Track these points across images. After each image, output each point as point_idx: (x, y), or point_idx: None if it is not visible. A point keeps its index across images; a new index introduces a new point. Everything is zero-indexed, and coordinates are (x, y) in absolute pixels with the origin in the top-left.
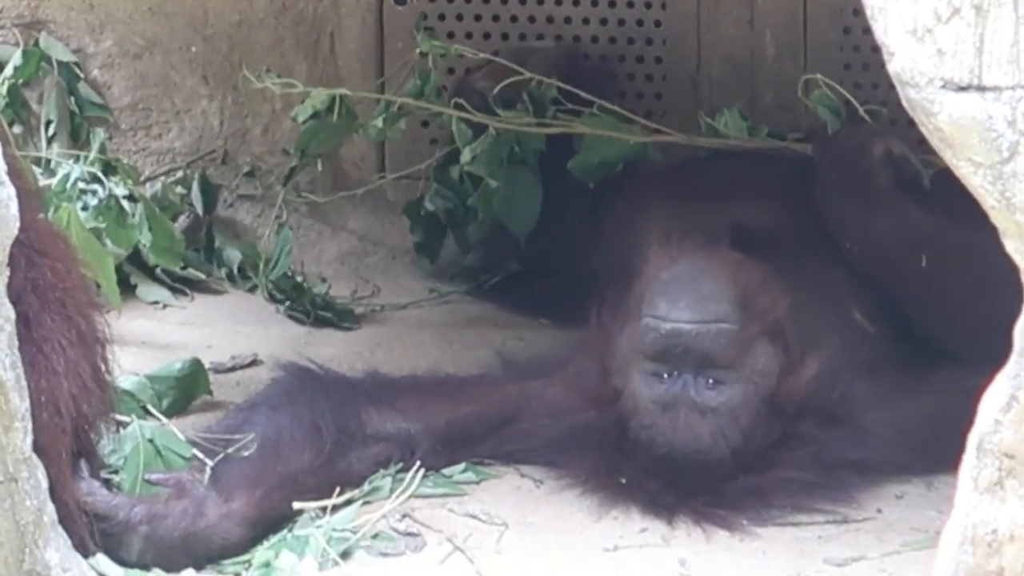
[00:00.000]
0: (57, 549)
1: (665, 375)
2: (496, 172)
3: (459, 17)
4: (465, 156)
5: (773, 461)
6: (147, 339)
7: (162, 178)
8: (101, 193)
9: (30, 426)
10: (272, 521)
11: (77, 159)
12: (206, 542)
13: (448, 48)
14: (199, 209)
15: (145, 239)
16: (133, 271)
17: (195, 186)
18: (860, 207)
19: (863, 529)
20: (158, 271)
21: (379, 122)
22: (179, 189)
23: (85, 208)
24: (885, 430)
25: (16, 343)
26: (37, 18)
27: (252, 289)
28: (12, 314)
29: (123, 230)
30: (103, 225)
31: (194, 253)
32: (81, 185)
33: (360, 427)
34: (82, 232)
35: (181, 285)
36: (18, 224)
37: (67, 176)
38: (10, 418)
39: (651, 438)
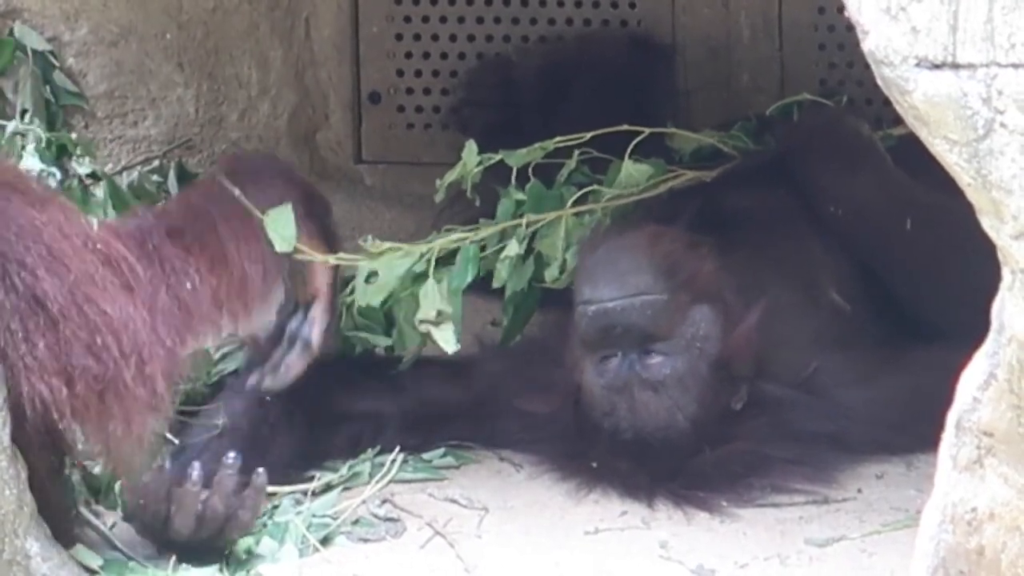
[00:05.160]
0: (37, 539)
1: (612, 360)
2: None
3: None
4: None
5: (738, 428)
6: None
7: (138, 166)
8: (59, 175)
9: (8, 416)
10: None
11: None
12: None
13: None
14: None
15: (111, 217)
16: None
17: (171, 174)
18: (844, 169)
19: (843, 509)
20: None
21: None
22: (155, 177)
23: None
24: (862, 407)
25: None
26: (11, 7)
27: None
28: None
29: (86, 208)
30: None
31: None
32: (40, 167)
33: (330, 407)
34: None
35: None
36: None
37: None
38: None
39: (613, 424)
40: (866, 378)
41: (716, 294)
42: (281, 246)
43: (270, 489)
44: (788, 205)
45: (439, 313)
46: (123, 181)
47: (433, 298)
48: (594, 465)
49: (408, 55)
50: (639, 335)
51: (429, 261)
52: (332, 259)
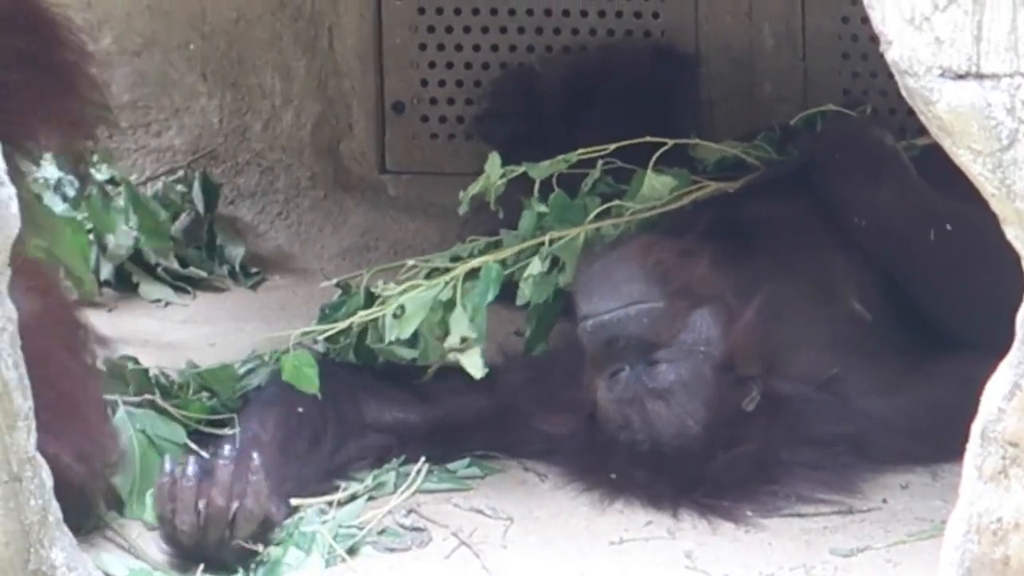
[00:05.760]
0: (63, 548)
1: (621, 373)
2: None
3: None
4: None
5: (753, 430)
6: (149, 337)
7: (163, 177)
8: (77, 183)
9: (33, 425)
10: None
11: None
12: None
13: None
14: (200, 207)
15: (132, 222)
16: (135, 269)
17: (196, 184)
18: (867, 179)
19: (868, 519)
20: (159, 269)
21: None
22: (180, 187)
23: (65, 199)
24: (885, 415)
25: (19, 342)
26: None
27: (254, 287)
28: (14, 314)
29: (107, 215)
30: (85, 214)
31: (195, 251)
32: (58, 174)
33: (359, 417)
34: (49, 218)
35: (183, 283)
36: (19, 224)
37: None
38: (13, 417)
39: (629, 437)
40: (889, 387)
41: (715, 297)
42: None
43: (296, 501)
44: (811, 215)
45: (463, 340)
46: (147, 191)
47: (460, 325)
48: (613, 476)
49: (432, 65)
50: (641, 345)
51: (455, 287)
52: None
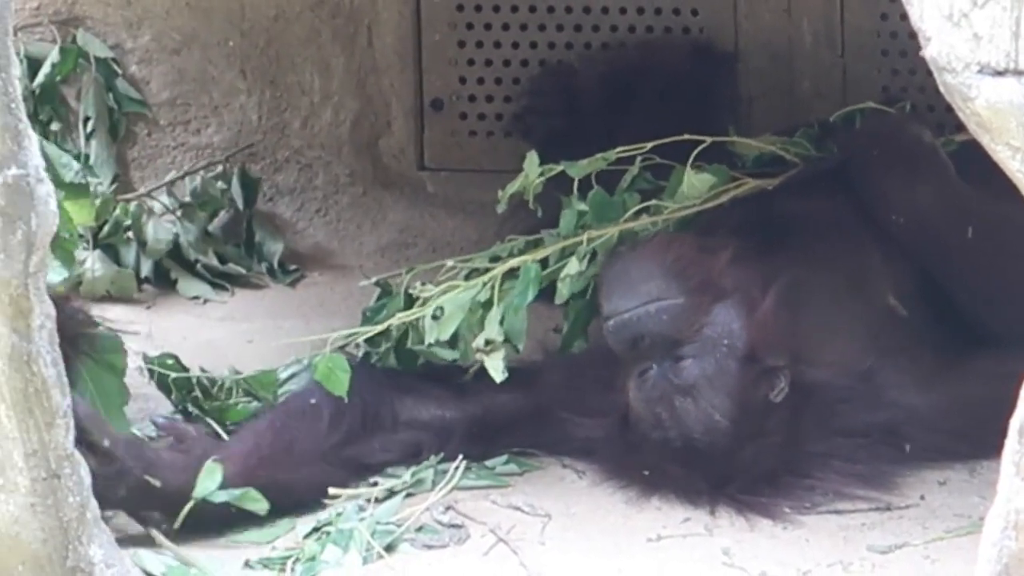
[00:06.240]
0: (100, 545)
1: (649, 372)
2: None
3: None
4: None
5: (784, 422)
6: (188, 334)
7: (201, 173)
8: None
9: (72, 423)
10: (273, 488)
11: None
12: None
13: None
14: (239, 203)
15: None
16: (173, 266)
17: (235, 180)
18: (905, 176)
19: (906, 516)
20: (199, 266)
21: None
22: (219, 184)
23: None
24: (922, 411)
25: (56, 340)
26: (74, 15)
27: (292, 284)
28: (52, 311)
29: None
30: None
31: (234, 248)
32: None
33: (392, 414)
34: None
35: (221, 280)
36: (57, 219)
37: None
38: (52, 415)
39: (660, 436)
40: (925, 383)
41: (736, 291)
42: None
43: (334, 490)
44: (849, 211)
45: (487, 342)
46: (186, 187)
47: (490, 327)
48: (646, 473)
49: (470, 62)
50: (665, 342)
51: (493, 288)
52: None
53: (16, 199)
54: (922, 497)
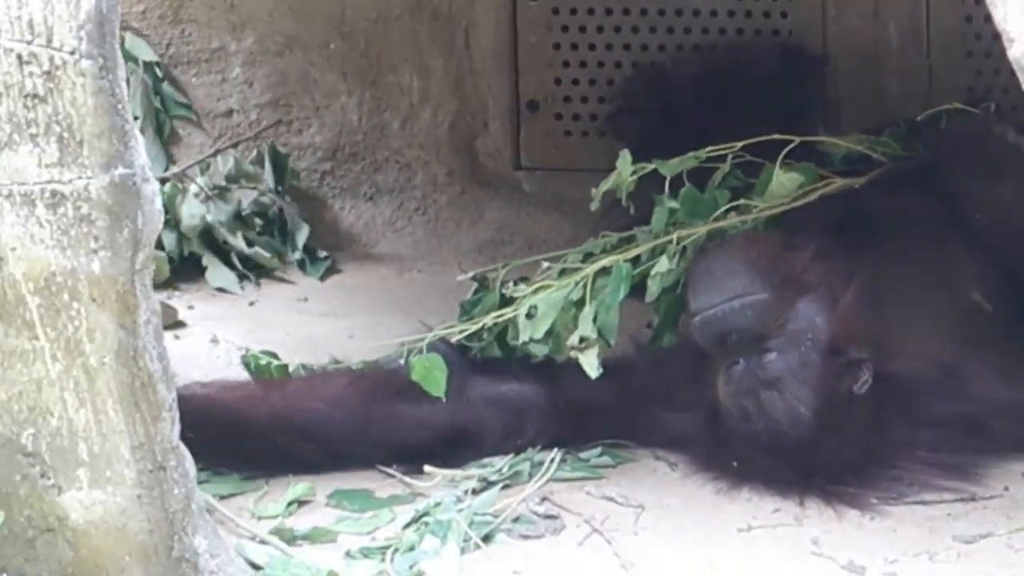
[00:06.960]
0: (205, 536)
1: (736, 366)
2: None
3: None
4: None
5: (864, 414)
6: (290, 330)
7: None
8: None
9: (177, 416)
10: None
11: None
12: None
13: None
14: (270, 183)
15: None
16: (215, 251)
17: (266, 160)
18: (990, 175)
19: (990, 506)
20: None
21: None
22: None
23: None
24: (1006, 404)
25: (163, 335)
26: (179, 17)
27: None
28: (158, 306)
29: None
30: None
31: (267, 237)
32: None
33: (487, 396)
34: None
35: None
36: (162, 218)
37: None
38: (158, 408)
39: (748, 428)
40: (1009, 377)
41: (819, 286)
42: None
43: (430, 468)
44: (935, 209)
45: (582, 340)
46: (220, 168)
47: (584, 325)
48: (735, 465)
49: (566, 64)
50: (751, 337)
51: (585, 286)
52: None
53: (123, 198)
54: (1006, 488)
